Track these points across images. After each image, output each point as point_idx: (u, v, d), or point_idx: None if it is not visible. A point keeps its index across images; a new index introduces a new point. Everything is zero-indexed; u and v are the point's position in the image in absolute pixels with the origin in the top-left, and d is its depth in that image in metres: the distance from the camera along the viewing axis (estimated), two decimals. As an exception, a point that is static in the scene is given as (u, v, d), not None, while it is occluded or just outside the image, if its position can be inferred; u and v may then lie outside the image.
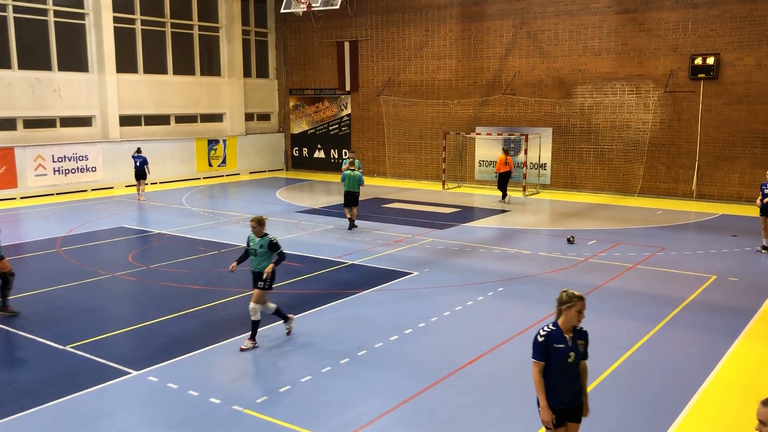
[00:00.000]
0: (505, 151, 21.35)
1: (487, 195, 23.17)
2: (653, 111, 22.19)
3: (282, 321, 9.33)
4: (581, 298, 5.21)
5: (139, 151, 22.13)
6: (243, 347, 8.79)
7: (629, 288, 11.70)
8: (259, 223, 9.01)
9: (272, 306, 9.14)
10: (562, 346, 5.15)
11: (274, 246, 8.97)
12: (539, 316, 10.00)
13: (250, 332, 8.97)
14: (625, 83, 22.53)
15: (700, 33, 21.13)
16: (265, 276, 8.89)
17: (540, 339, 5.18)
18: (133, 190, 22.97)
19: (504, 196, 21.36)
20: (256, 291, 8.97)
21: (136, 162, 21.82)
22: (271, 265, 8.93)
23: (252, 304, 8.91)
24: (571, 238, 15.11)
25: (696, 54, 21.16)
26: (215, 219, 18.44)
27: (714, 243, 15.37)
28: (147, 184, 22.65)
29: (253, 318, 8.89)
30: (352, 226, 16.91)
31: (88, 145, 23.87)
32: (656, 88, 22.02)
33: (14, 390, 7.65)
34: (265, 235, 9.03)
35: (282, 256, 9.04)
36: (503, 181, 21.24)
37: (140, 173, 21.70)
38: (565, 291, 5.27)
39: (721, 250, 14.68)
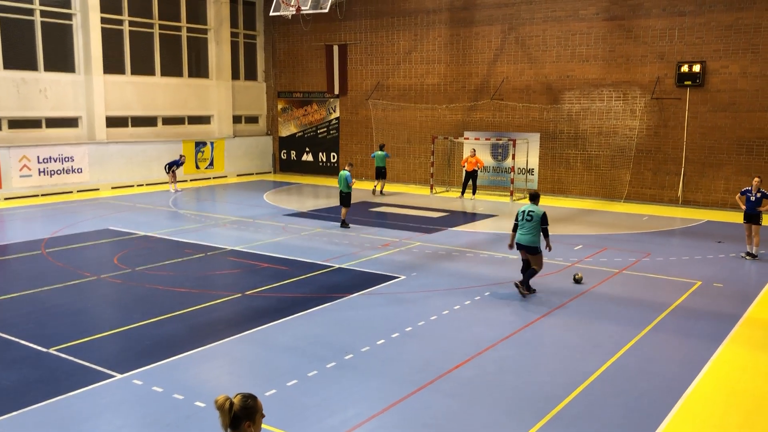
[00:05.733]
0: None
1: (475, 200, 23.20)
2: (640, 117, 22.34)
3: None
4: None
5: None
6: None
7: (615, 293, 11.75)
8: None
9: None
10: None
11: None
12: (526, 320, 10.02)
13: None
14: (612, 90, 22.68)
15: (687, 41, 21.33)
16: None
17: None
18: (119, 192, 24.28)
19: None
20: None
21: None
22: None
23: None
24: (578, 276, 12.52)
25: (682, 61, 21.34)
26: (202, 221, 18.35)
27: (699, 249, 15.49)
28: (175, 180, 24.64)
29: None
30: (342, 224, 17.51)
31: (74, 146, 23.69)
32: (643, 94, 22.18)
33: (-4, 393, 7.56)
34: None
35: None
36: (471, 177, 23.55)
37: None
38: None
39: (706, 256, 14.80)
